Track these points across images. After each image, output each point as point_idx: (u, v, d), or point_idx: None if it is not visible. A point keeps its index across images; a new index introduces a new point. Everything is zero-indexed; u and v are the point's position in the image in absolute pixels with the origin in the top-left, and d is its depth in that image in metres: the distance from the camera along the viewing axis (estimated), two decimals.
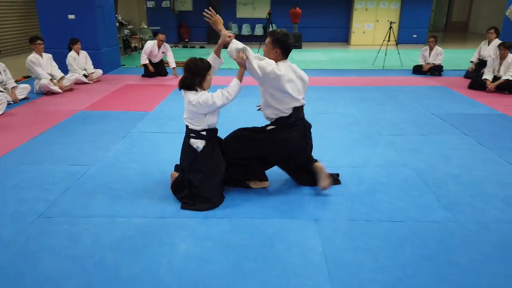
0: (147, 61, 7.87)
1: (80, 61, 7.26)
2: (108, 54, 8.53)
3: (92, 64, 7.52)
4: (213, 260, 2.28)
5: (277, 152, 2.98)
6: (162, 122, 4.93)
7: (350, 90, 6.78)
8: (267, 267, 2.23)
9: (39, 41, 6.32)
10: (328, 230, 2.58)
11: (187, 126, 2.91)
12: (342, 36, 15.92)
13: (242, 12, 16.08)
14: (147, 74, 7.96)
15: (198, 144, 2.86)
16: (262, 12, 16.03)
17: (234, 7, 15.94)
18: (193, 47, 14.44)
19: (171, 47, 8.39)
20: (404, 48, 10.13)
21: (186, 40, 15.94)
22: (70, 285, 2.08)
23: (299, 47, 13.88)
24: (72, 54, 7.15)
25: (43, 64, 6.37)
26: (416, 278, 2.13)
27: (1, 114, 5.14)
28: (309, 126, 3.10)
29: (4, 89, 5.73)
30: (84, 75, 7.22)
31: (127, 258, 2.30)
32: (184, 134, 2.98)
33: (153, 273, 2.17)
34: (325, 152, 3.91)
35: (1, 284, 2.09)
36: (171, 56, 8.05)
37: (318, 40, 15.86)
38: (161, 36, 7.97)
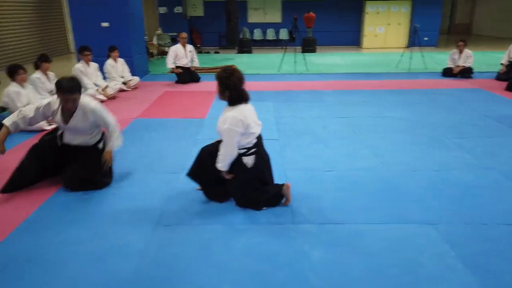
0: (173, 66, 7.91)
1: (118, 69, 7.27)
2: (139, 61, 8.55)
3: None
4: (349, 265, 2.33)
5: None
6: None
7: (391, 93, 6.88)
8: (407, 272, 2.28)
9: (86, 52, 6.34)
10: (449, 235, 2.63)
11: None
12: (354, 39, 16.08)
13: (253, 17, 16.18)
14: (181, 80, 7.99)
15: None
16: (273, 17, 16.17)
17: (246, 12, 16.03)
18: (208, 52, 14.47)
19: None
20: (416, 51, 10.24)
21: (198, 45, 15.98)
22: None
23: (314, 51, 14.00)
24: (110, 61, 7.17)
25: (89, 74, 6.38)
26: None
27: None
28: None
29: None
30: (123, 83, 7.24)
31: (267, 265, 2.34)
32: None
33: (302, 279, 2.21)
34: (401, 157, 3.99)
35: None
36: (196, 56, 8.26)
37: (331, 43, 16.00)
38: (183, 34, 8.03)
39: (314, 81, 8.21)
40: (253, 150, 2.93)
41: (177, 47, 7.94)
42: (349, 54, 13.14)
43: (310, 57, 12.30)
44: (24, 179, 3.30)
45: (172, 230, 2.72)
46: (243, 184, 2.95)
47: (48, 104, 3.22)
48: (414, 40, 9.45)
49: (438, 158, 3.96)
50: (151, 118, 5.44)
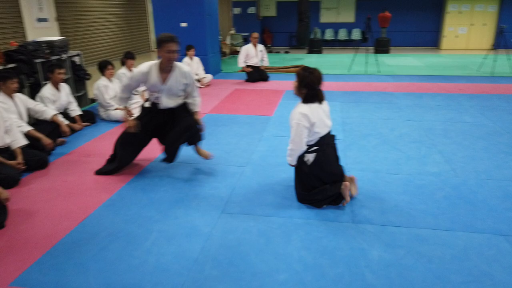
0: (244, 65, 8.17)
1: (193, 67, 7.71)
2: (212, 60, 8.97)
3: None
4: (408, 267, 2.31)
5: None
6: (287, 126, 5.06)
7: (469, 98, 6.48)
8: (472, 280, 2.21)
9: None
10: None
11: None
12: (431, 40, 15.27)
13: (326, 17, 16.06)
14: (251, 79, 8.25)
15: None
16: (346, 16, 15.91)
17: (318, 12, 15.96)
18: (278, 52, 14.67)
19: None
20: (502, 54, 9.43)
21: (269, 45, 16.25)
22: (282, 279, 2.22)
23: (387, 51, 13.55)
24: (186, 59, 7.61)
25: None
26: None
27: None
28: None
29: (137, 92, 6.24)
30: (197, 80, 7.66)
31: (324, 258, 2.41)
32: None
33: (358, 276, 2.25)
34: (475, 164, 3.79)
35: (221, 271, 2.28)
36: (266, 55, 8.46)
37: (406, 44, 15.37)
38: (255, 34, 8.25)
39: (385, 82, 7.99)
40: (315, 148, 2.99)
41: (248, 47, 8.21)
42: (426, 56, 12.52)
43: (382, 58, 11.95)
44: (129, 154, 3.67)
45: (235, 218, 2.89)
46: (302, 180, 3.05)
47: (139, 70, 3.37)
48: (500, 42, 8.75)
49: None
50: (221, 114, 5.72)
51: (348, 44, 15.84)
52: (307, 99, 2.93)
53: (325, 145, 3.04)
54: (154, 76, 3.39)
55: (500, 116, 5.41)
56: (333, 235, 2.65)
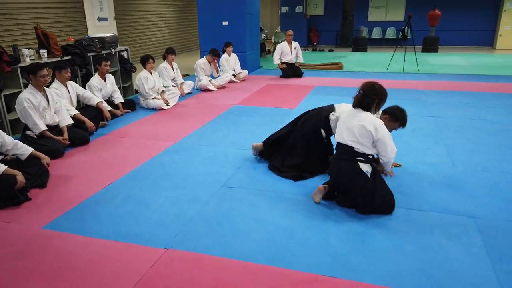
0: (279, 61, 8.53)
1: (230, 62, 8.21)
2: (251, 57, 9.43)
3: (240, 65, 8.44)
4: (373, 237, 2.58)
5: None
6: None
7: (501, 97, 6.35)
8: (428, 250, 2.44)
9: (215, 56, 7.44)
10: (488, 229, 2.65)
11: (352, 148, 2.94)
12: (485, 39, 14.57)
13: (374, 15, 15.89)
14: (285, 75, 8.60)
15: (367, 168, 2.92)
16: (395, 15, 15.62)
17: (366, 10, 15.84)
18: (322, 50, 14.82)
19: (301, 50, 8.92)
20: None
21: (315, 43, 16.42)
22: (257, 236, 2.60)
23: (436, 50, 13.20)
24: (225, 56, 8.14)
25: (207, 69, 7.46)
26: None
27: (175, 105, 6.23)
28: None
29: (175, 84, 6.87)
30: (233, 75, 8.16)
31: (298, 225, 2.75)
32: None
33: (323, 240, 2.57)
34: (475, 157, 3.89)
35: (208, 228, 2.71)
36: (300, 52, 8.72)
37: (457, 43, 14.81)
38: (290, 32, 8.59)
39: (420, 80, 7.96)
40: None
41: (283, 44, 8.56)
42: (476, 55, 12.06)
43: (428, 57, 11.72)
44: None
45: (233, 190, 3.30)
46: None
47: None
48: None
49: None
50: (247, 106, 6.15)
51: (396, 43, 15.54)
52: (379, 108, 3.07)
53: None
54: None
55: None
56: (312, 208, 2.97)
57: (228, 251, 2.47)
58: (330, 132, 3.55)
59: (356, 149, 2.92)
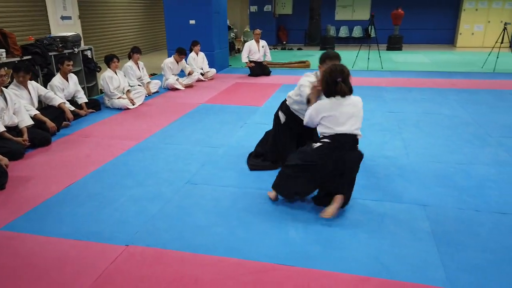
0: (247, 60, 8.61)
1: (198, 61, 8.22)
2: (219, 55, 9.45)
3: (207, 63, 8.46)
4: (327, 227, 2.69)
5: None
6: (270, 116, 5.46)
7: (457, 92, 6.67)
8: (376, 236, 2.57)
9: (182, 55, 7.41)
10: (436, 215, 2.82)
11: None
12: (447, 37, 15.18)
13: (341, 14, 16.22)
14: (253, 73, 8.68)
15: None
16: (361, 14, 16.01)
17: (333, 9, 16.15)
18: (291, 49, 15.00)
19: (269, 49, 9.05)
20: (507, 51, 9.47)
21: (284, 42, 16.59)
22: (217, 230, 2.66)
23: (400, 49, 13.63)
24: (192, 54, 8.13)
25: (174, 68, 7.42)
26: None
27: (140, 104, 6.19)
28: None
29: (141, 84, 6.82)
30: (201, 74, 8.16)
31: (259, 218, 2.83)
32: None
33: (282, 231, 2.66)
34: (430, 149, 4.09)
35: (170, 224, 2.75)
36: (268, 51, 8.86)
37: (420, 42, 15.34)
38: (257, 31, 8.70)
39: (383, 77, 8.23)
40: (324, 139, 2.87)
41: (251, 43, 8.64)
42: (438, 53, 12.55)
43: (392, 55, 12.09)
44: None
45: (197, 187, 3.35)
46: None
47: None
48: (503, 39, 8.77)
49: (470, 153, 3.97)
50: (214, 104, 6.19)
51: (363, 41, 15.92)
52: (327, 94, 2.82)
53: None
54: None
55: (479, 109, 5.60)
56: (272, 203, 3.06)
57: (188, 245, 2.52)
58: (291, 114, 3.53)
59: (358, 136, 2.84)
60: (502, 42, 8.80)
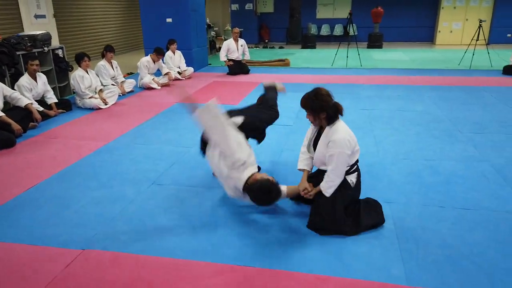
0: (225, 58, 8.55)
1: (175, 60, 8.11)
2: (198, 54, 9.36)
3: (185, 62, 8.35)
4: (290, 223, 2.66)
5: None
6: None
7: (432, 90, 6.73)
8: (341, 235, 2.54)
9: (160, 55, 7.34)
10: (400, 212, 2.81)
11: None
12: (426, 35, 15.36)
13: (322, 12, 16.26)
14: (232, 72, 8.62)
15: None
16: (342, 12, 16.07)
17: (315, 7, 16.18)
18: (273, 47, 14.96)
19: (251, 47, 9.00)
20: (496, 48, 9.63)
21: (266, 41, 16.55)
22: (179, 232, 2.59)
23: (380, 46, 13.73)
24: (169, 53, 8.02)
25: (150, 68, 7.31)
26: (484, 256, 2.29)
27: (113, 104, 6.07)
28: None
29: (115, 83, 6.69)
30: (178, 72, 8.06)
31: (226, 219, 2.77)
32: None
33: (244, 235, 2.61)
34: (400, 146, 4.09)
35: (130, 227, 2.67)
36: (247, 49, 8.81)
37: (400, 39, 15.50)
38: (236, 29, 8.64)
39: (361, 75, 8.25)
40: (355, 167, 2.68)
41: (230, 42, 8.58)
42: (417, 51, 12.67)
43: (372, 52, 12.16)
44: None
45: (162, 188, 3.27)
46: (344, 204, 2.61)
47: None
48: (479, 37, 8.89)
49: (439, 149, 3.98)
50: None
51: (344, 39, 16.01)
52: (332, 119, 2.63)
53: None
54: None
55: (451, 105, 5.65)
56: (238, 203, 2.98)
57: (147, 248, 2.45)
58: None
59: None
60: (477, 39, 8.92)
